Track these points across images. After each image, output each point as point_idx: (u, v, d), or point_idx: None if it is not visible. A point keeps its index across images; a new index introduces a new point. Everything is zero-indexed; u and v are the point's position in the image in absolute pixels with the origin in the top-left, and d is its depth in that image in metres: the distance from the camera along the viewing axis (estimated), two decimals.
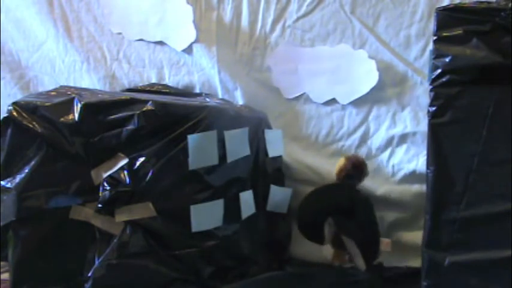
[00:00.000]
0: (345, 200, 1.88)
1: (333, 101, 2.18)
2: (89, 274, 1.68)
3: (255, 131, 1.96)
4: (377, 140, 2.16)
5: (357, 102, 2.15)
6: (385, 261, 1.95)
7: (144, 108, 1.67)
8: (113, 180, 1.68)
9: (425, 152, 1.55)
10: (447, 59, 1.45)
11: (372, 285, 1.84)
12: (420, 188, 2.00)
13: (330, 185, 1.98)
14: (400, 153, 2.13)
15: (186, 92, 2.24)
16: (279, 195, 2.06)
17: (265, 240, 2.05)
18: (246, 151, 1.87)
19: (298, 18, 2.18)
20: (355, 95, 2.14)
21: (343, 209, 1.86)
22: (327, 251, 1.91)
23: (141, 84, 2.31)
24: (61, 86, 2.02)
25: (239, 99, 2.22)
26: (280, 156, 2.12)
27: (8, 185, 1.73)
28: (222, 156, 1.76)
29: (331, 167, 2.15)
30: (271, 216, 2.06)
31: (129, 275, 1.68)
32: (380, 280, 1.82)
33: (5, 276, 1.84)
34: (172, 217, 1.71)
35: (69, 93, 1.81)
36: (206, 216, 1.72)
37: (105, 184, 1.68)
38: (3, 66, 2.43)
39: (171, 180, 1.70)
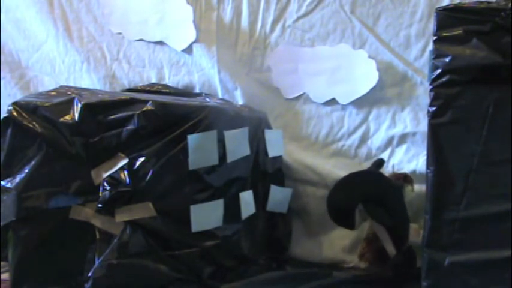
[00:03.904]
0: (374, 187, 1.89)
1: (333, 101, 2.18)
2: (89, 274, 1.67)
3: (255, 131, 1.96)
4: (377, 140, 2.16)
5: (357, 102, 2.15)
6: None
7: (144, 108, 1.67)
8: (113, 180, 1.68)
9: (425, 152, 1.55)
10: (447, 59, 1.44)
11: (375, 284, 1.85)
12: (420, 188, 2.00)
13: (359, 172, 1.98)
14: (400, 153, 2.13)
15: (186, 92, 2.24)
16: (279, 195, 2.06)
17: (265, 240, 2.05)
18: (246, 151, 1.87)
19: (298, 18, 2.19)
20: (355, 95, 2.14)
21: (373, 195, 1.87)
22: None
23: (141, 84, 2.31)
24: (61, 86, 2.02)
25: (239, 99, 2.22)
26: (280, 156, 2.12)
27: (8, 185, 1.73)
28: (222, 156, 1.75)
29: (331, 167, 2.16)
30: (271, 216, 2.06)
31: (129, 275, 1.68)
32: (410, 263, 1.82)
33: (5, 276, 1.84)
34: (172, 217, 1.71)
35: (69, 93, 1.81)
36: (206, 216, 1.72)
37: (105, 184, 1.68)
38: (3, 66, 2.43)
39: (171, 180, 1.70)
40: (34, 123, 1.73)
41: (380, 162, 1.98)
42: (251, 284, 1.81)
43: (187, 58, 2.29)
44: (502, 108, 1.43)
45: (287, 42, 2.20)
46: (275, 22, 2.21)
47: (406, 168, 2.10)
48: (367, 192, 1.88)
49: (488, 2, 1.47)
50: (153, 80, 2.32)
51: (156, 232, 1.70)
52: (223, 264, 1.81)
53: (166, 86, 2.26)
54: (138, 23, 2.33)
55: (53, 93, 1.86)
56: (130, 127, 1.67)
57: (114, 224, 1.69)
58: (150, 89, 2.21)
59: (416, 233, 1.90)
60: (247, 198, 1.88)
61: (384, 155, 2.15)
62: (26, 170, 1.73)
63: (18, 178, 1.73)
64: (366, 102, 2.14)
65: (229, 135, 1.77)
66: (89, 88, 2.19)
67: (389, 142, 2.14)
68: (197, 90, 2.28)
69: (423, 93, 2.05)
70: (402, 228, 1.87)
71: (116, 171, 1.69)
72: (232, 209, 1.80)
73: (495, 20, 1.41)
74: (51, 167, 1.73)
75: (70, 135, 1.70)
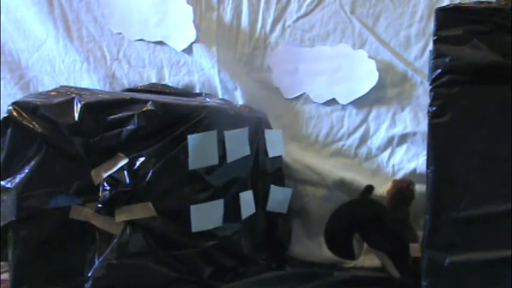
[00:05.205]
0: (370, 215, 1.89)
1: (333, 101, 2.18)
2: (89, 274, 1.67)
3: (255, 131, 1.96)
4: (377, 140, 2.16)
5: (357, 102, 2.15)
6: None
7: (144, 108, 1.67)
8: (113, 180, 1.68)
9: (425, 152, 1.55)
10: (447, 59, 1.44)
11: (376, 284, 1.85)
12: (420, 188, 2.00)
13: (350, 202, 1.99)
14: (400, 153, 2.13)
15: (186, 92, 2.24)
16: (279, 195, 2.06)
17: (265, 240, 2.05)
18: (246, 151, 1.87)
19: (298, 18, 2.19)
20: (355, 95, 2.14)
21: (367, 223, 1.87)
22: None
23: (141, 84, 2.31)
24: (61, 86, 2.02)
25: (239, 99, 2.22)
26: (280, 156, 2.12)
27: (8, 185, 1.73)
28: (222, 156, 1.75)
29: (331, 167, 2.16)
30: (271, 216, 2.06)
31: (129, 275, 1.68)
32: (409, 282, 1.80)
33: (5, 276, 1.84)
34: (172, 217, 1.71)
35: (69, 93, 1.81)
36: (206, 216, 1.72)
37: (105, 184, 1.68)
38: (3, 66, 2.43)
39: (171, 180, 1.70)
40: (34, 123, 1.73)
41: (369, 189, 1.98)
42: (251, 284, 1.81)
43: (187, 58, 2.29)
44: (502, 108, 1.43)
45: (287, 42, 2.20)
46: (275, 22, 2.21)
47: (406, 168, 2.10)
48: (361, 220, 1.89)
49: (488, 2, 1.47)
50: (153, 80, 2.32)
51: (156, 232, 1.70)
52: (223, 264, 1.81)
53: (166, 86, 2.26)
54: (138, 23, 2.32)
55: (53, 93, 1.86)
56: (130, 127, 1.67)
57: (114, 224, 1.69)
58: (150, 89, 2.21)
59: (416, 251, 1.87)
60: (247, 198, 1.88)
61: (384, 155, 2.15)
62: (26, 170, 1.73)
63: (18, 178, 1.73)
64: (366, 102, 2.14)
65: (229, 135, 1.77)
66: (89, 88, 2.18)
67: (389, 142, 2.14)
68: (197, 90, 2.28)
69: (423, 93, 2.05)
70: (401, 251, 1.86)
71: (115, 171, 1.69)
72: (232, 209, 1.80)
73: (495, 20, 1.41)
74: (51, 167, 1.73)
75: (70, 135, 1.70)
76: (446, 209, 1.48)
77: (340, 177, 2.13)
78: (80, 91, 1.86)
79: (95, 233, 1.72)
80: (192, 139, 1.68)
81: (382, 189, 2.01)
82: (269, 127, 2.11)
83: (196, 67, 2.28)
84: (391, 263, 1.86)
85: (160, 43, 2.32)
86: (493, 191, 1.44)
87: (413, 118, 2.10)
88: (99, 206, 1.68)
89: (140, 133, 1.68)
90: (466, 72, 1.44)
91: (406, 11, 2.07)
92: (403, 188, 1.94)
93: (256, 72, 2.24)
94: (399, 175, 2.10)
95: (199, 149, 1.69)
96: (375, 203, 1.93)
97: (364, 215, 1.90)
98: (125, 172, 1.68)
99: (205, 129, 1.70)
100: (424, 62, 2.05)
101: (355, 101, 2.15)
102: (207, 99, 2.07)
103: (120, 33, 2.35)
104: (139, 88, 2.25)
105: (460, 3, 1.56)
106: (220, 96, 2.23)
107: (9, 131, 1.74)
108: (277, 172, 2.11)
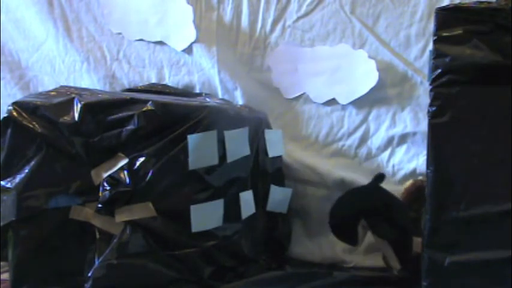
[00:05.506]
0: (378, 203, 1.88)
1: (333, 101, 2.18)
2: (89, 274, 1.67)
3: (255, 131, 1.96)
4: (377, 140, 2.16)
5: (357, 102, 2.15)
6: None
7: (144, 108, 1.67)
8: (113, 180, 1.68)
9: (425, 152, 1.55)
10: (447, 59, 1.44)
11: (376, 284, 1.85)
12: None
13: (360, 187, 1.98)
14: (400, 153, 2.13)
15: (186, 92, 2.24)
16: (279, 195, 2.06)
17: (265, 240, 2.05)
18: (246, 151, 1.87)
19: (298, 18, 2.18)
20: (355, 95, 2.14)
21: (375, 210, 1.87)
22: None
23: (141, 84, 2.31)
24: (61, 86, 2.02)
25: (239, 99, 2.22)
26: (280, 156, 2.12)
27: (8, 185, 1.73)
28: (222, 156, 1.75)
29: (331, 167, 2.16)
30: (271, 216, 2.06)
31: (129, 275, 1.68)
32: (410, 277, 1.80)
33: (5, 276, 1.84)
34: (172, 217, 1.70)
35: (69, 93, 1.81)
36: (206, 216, 1.72)
37: (105, 184, 1.68)
38: (3, 66, 2.43)
39: (171, 180, 1.70)
40: (34, 123, 1.73)
41: (380, 176, 1.97)
42: (251, 284, 1.81)
43: (187, 58, 2.29)
44: (502, 108, 1.43)
45: (287, 42, 2.20)
46: (275, 22, 2.20)
47: (406, 168, 2.10)
48: (369, 207, 1.88)
49: (488, 2, 1.47)
50: (153, 80, 2.32)
51: (156, 232, 1.70)
52: (223, 264, 1.81)
53: (166, 86, 2.26)
54: (138, 23, 2.32)
55: (53, 93, 1.86)
56: (130, 127, 1.67)
57: (114, 224, 1.69)
58: (150, 89, 2.21)
59: (418, 246, 1.88)
60: (247, 198, 1.88)
61: (384, 155, 2.15)
62: (26, 170, 1.73)
63: (18, 178, 1.73)
64: (366, 102, 2.14)
65: (229, 135, 1.77)
66: (89, 88, 2.18)
67: (389, 142, 2.14)
68: (197, 90, 2.28)
69: (423, 93, 2.05)
70: (405, 243, 1.85)
71: (115, 171, 1.69)
72: (232, 209, 1.80)
73: (495, 20, 1.41)
74: (51, 167, 1.73)
75: (70, 135, 1.70)
76: (446, 209, 1.47)
77: (340, 177, 2.13)
78: (80, 91, 1.86)
79: (95, 233, 1.72)
80: (192, 139, 1.68)
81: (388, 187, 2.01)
82: (269, 127, 2.11)
83: (196, 67, 2.28)
84: (393, 253, 1.86)
85: (160, 43, 2.32)
86: (493, 191, 1.44)
87: (413, 118, 2.10)
88: (99, 206, 1.68)
89: (140, 133, 1.68)
90: (466, 72, 1.44)
91: (406, 11, 2.07)
92: (422, 188, 1.93)
93: (256, 72, 2.24)
94: (399, 175, 2.10)
95: (199, 149, 1.69)
96: (385, 192, 1.91)
97: (371, 202, 1.89)
98: (125, 172, 1.68)
99: (205, 129, 1.70)
100: (424, 62, 2.05)
101: (355, 101, 2.15)
102: (207, 99, 2.06)
103: (120, 33, 2.35)
104: (139, 88, 2.24)
105: (460, 3, 1.56)
106: (220, 96, 2.23)
107: (9, 131, 1.74)
108: (277, 172, 2.11)
